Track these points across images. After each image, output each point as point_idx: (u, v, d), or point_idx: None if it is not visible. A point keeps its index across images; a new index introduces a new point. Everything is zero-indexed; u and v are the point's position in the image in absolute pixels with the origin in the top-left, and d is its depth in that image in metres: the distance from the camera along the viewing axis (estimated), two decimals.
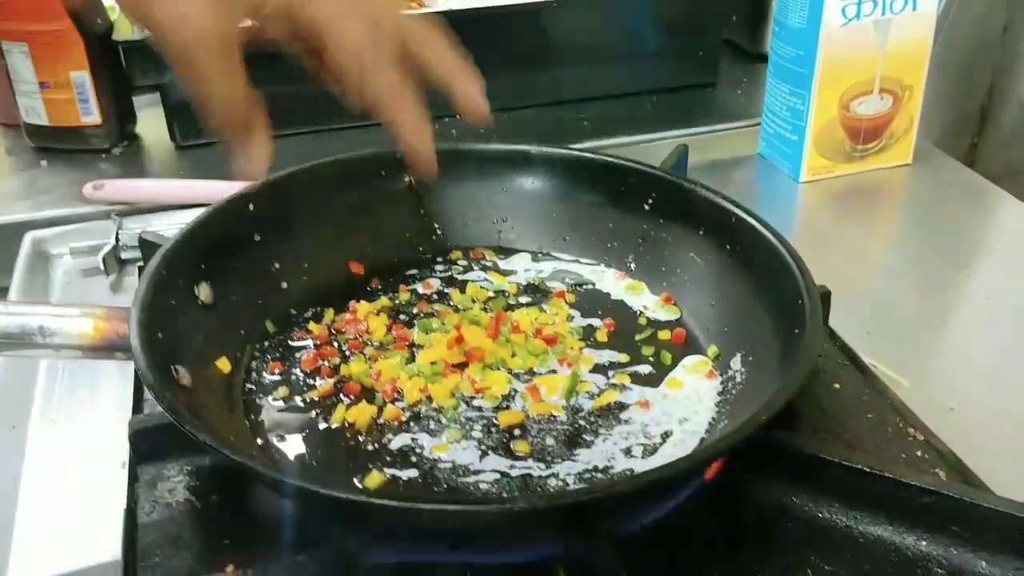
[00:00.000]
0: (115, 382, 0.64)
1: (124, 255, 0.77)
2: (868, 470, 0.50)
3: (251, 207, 0.64)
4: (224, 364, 0.57)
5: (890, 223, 0.87)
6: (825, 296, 0.62)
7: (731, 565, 0.49)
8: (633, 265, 0.68)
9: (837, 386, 0.62)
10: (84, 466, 0.58)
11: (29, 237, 0.79)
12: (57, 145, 0.91)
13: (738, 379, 0.57)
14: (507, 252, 0.71)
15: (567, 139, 0.94)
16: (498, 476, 0.51)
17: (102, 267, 0.75)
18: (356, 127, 0.95)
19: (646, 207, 0.68)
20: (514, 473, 0.51)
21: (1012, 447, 0.59)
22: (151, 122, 0.96)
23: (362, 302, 0.64)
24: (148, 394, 0.61)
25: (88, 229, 0.79)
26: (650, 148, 0.93)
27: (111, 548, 0.51)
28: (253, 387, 0.58)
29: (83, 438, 0.60)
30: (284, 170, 0.68)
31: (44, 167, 0.90)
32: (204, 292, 0.59)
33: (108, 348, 0.53)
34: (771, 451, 0.51)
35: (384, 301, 0.65)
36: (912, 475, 0.50)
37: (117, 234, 0.77)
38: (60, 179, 0.87)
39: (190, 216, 0.79)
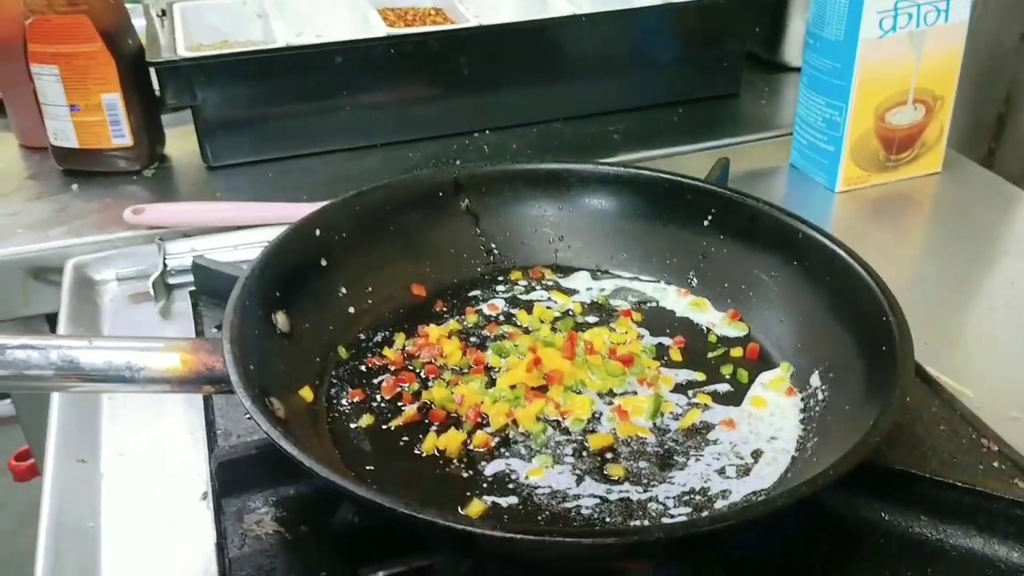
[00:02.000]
0: (179, 409, 0.63)
1: (171, 280, 0.76)
2: (960, 484, 0.51)
3: (317, 232, 0.64)
4: (307, 393, 0.57)
5: (928, 231, 0.88)
6: None
7: None
8: (695, 281, 0.69)
9: (907, 399, 0.62)
10: (162, 500, 0.57)
11: (71, 264, 0.78)
12: (87, 168, 0.90)
13: (819, 396, 0.58)
14: (565, 271, 0.71)
15: (600, 152, 0.94)
16: (597, 501, 0.51)
17: (151, 293, 0.74)
18: (392, 144, 0.95)
19: (706, 223, 0.69)
20: (612, 497, 0.52)
21: None
22: (178, 141, 0.95)
23: (431, 326, 0.64)
24: (222, 426, 0.61)
25: (131, 254, 0.78)
26: (684, 160, 0.94)
27: None
28: (336, 415, 0.58)
29: (156, 470, 0.59)
30: (343, 195, 0.68)
31: (75, 191, 0.88)
32: (281, 320, 0.59)
33: (196, 381, 0.53)
34: (860, 467, 0.52)
35: (453, 324, 0.65)
36: (1001, 487, 0.51)
37: (164, 259, 0.76)
38: (94, 203, 0.86)
39: (233, 238, 0.80)
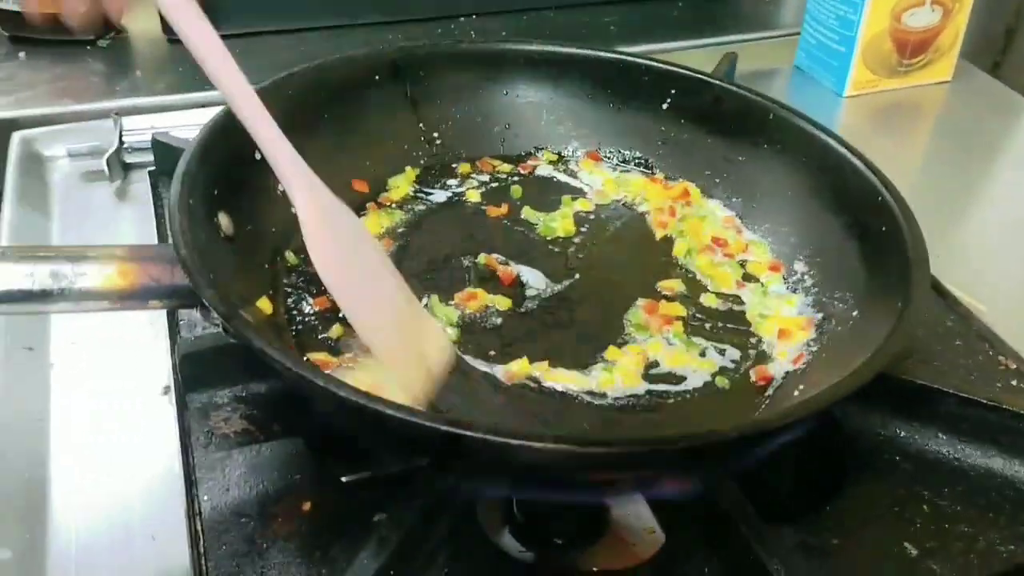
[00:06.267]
0: None
1: (128, 158, 0.69)
2: (984, 402, 0.48)
3: None
4: (265, 305, 0.50)
5: (937, 141, 0.84)
6: None
7: (844, 503, 0.46)
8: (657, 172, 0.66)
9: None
10: (119, 394, 0.52)
11: (17, 137, 0.71)
12: (35, 35, 0.82)
13: (808, 282, 0.56)
14: (512, 161, 0.66)
15: (593, 43, 0.87)
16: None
17: (106, 171, 0.67)
18: (373, 25, 0.88)
19: (664, 107, 0.65)
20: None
21: None
22: (138, 11, 0.87)
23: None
24: (185, 314, 0.55)
25: (85, 129, 0.72)
26: (682, 56, 0.87)
27: (165, 487, 0.46)
28: (301, 327, 0.52)
29: (112, 361, 0.54)
30: (268, 79, 0.59)
31: (22, 59, 0.80)
32: (224, 223, 0.51)
33: (141, 296, 0.45)
34: (876, 381, 0.48)
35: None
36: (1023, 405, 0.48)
37: (120, 135, 0.69)
38: (43, 74, 0.79)
39: (196, 116, 0.72)
